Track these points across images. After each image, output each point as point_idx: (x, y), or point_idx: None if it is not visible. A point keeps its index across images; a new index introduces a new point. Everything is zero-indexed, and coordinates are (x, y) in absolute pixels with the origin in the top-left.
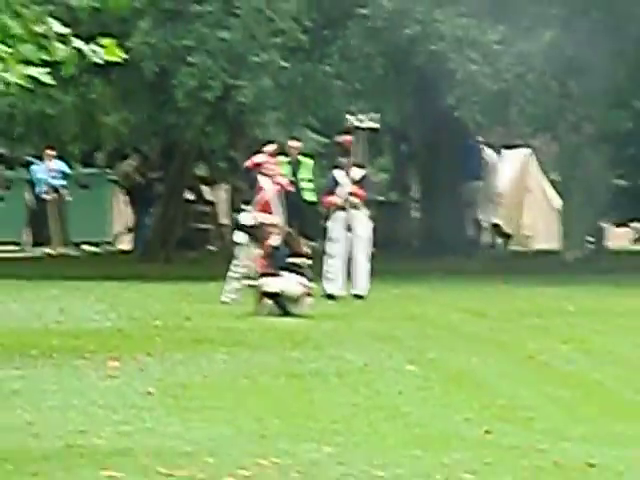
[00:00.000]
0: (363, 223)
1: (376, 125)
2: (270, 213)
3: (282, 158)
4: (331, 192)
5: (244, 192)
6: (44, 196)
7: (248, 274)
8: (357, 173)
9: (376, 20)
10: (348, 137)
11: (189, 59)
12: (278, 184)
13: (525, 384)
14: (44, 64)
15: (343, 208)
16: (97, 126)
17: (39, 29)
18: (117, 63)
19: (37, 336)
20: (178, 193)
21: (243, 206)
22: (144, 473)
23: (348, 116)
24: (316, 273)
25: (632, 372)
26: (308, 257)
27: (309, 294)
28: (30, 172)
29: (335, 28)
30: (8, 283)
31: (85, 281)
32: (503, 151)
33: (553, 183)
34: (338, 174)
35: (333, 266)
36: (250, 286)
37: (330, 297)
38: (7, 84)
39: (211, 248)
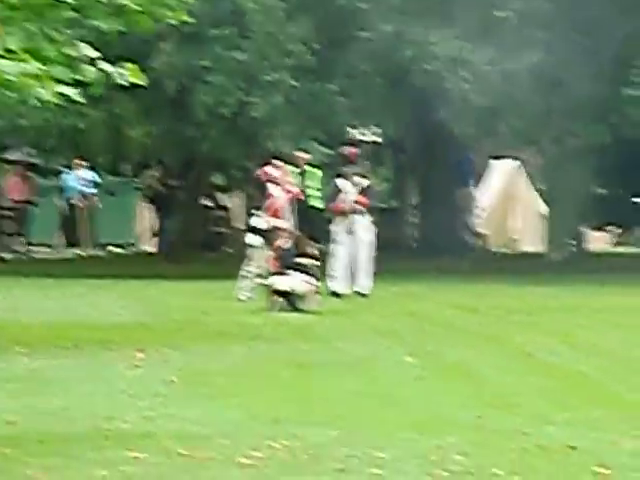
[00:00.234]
0: (366, 228)
1: (378, 139)
2: (280, 218)
3: (291, 168)
4: (333, 199)
5: (256, 199)
6: (75, 202)
7: (261, 273)
8: (361, 182)
9: (376, 43)
10: (352, 149)
11: (207, 78)
12: (289, 192)
13: (513, 374)
14: (75, 83)
15: (346, 214)
16: (123, 139)
17: (71, 52)
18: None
19: (69, 329)
20: (197, 200)
21: (255, 211)
22: (166, 454)
23: (351, 130)
24: (322, 273)
25: (612, 363)
26: (315, 258)
27: (316, 292)
28: (62, 180)
29: (339, 50)
30: (42, 281)
31: (112, 279)
32: (493, 162)
33: (538, 191)
34: (340, 182)
35: (337, 266)
36: (263, 284)
37: (335, 295)
38: (42, 101)
39: (227, 250)
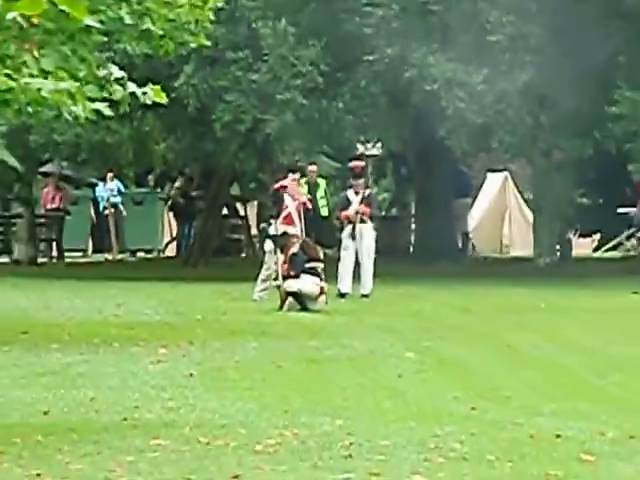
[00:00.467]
0: (369, 234)
1: (377, 152)
2: (292, 225)
3: (301, 179)
4: (344, 208)
5: (270, 208)
6: (104, 211)
7: (274, 276)
8: (364, 192)
9: (380, 65)
10: (359, 163)
11: (225, 97)
12: (300, 202)
13: (504, 368)
14: (104, 101)
15: (352, 222)
16: (148, 153)
17: (101, 73)
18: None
19: (98, 327)
20: (216, 209)
21: (270, 220)
22: (187, 442)
23: (360, 146)
24: (330, 275)
25: (594, 359)
26: (321, 262)
27: (323, 293)
28: (93, 191)
29: (346, 71)
30: (74, 283)
31: (138, 282)
32: (489, 174)
33: (527, 201)
34: (351, 195)
35: (343, 269)
36: (275, 286)
37: (341, 295)
38: (75, 117)
39: (243, 255)
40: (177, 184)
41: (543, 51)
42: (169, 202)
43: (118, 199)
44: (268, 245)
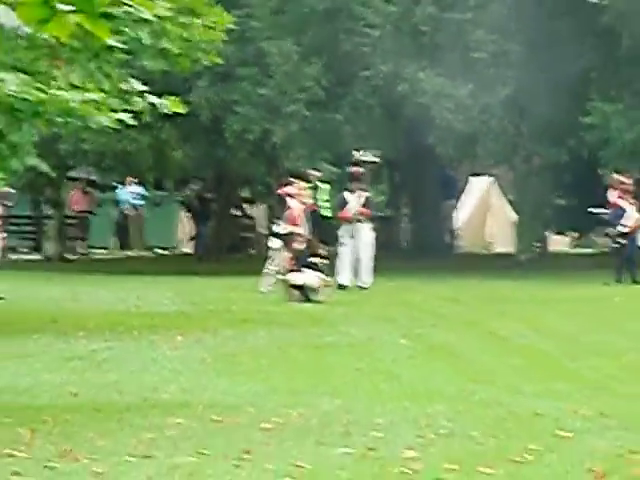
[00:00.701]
0: (367, 233)
1: (377, 159)
2: (297, 225)
3: (305, 184)
4: (341, 209)
5: (276, 209)
6: (126, 212)
7: (280, 271)
8: (363, 195)
9: (376, 80)
10: (358, 168)
11: (235, 109)
12: (304, 204)
13: (489, 353)
14: (127, 112)
15: (350, 221)
16: (166, 159)
17: (124, 86)
18: (181, 112)
19: (121, 317)
20: (228, 210)
21: (277, 220)
22: (201, 419)
23: (355, 152)
24: (331, 269)
25: (569, 344)
26: (324, 257)
27: (325, 285)
28: (116, 194)
29: (345, 86)
30: (99, 277)
31: (157, 276)
32: (472, 178)
33: (509, 202)
34: (347, 196)
35: (343, 264)
36: (281, 280)
37: (341, 287)
38: (101, 126)
39: (252, 251)
40: (193, 187)
41: (523, 67)
42: (185, 204)
43: (139, 201)
44: (274, 242)
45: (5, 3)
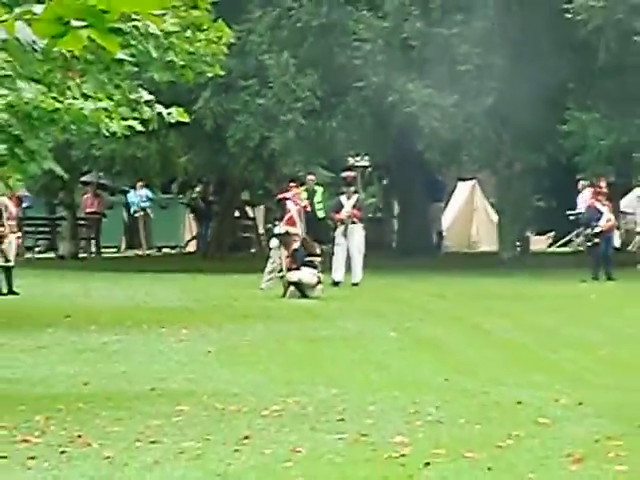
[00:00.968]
0: (359, 233)
1: (367, 164)
2: (293, 225)
3: (301, 187)
4: (337, 211)
5: (275, 211)
6: (135, 214)
7: (278, 269)
8: (355, 198)
9: (368, 91)
10: (350, 173)
11: (236, 118)
12: (301, 206)
13: (473, 346)
14: (136, 120)
15: (343, 222)
16: (172, 165)
17: (133, 96)
18: (186, 121)
19: (130, 312)
20: (229, 211)
21: (275, 221)
22: (205, 407)
23: (349, 158)
24: (325, 267)
25: (549, 338)
26: (319, 256)
27: (320, 283)
28: (126, 197)
29: (339, 96)
30: (110, 275)
31: (164, 273)
32: (459, 183)
33: (492, 204)
34: (342, 199)
35: (337, 262)
36: (279, 277)
37: (335, 284)
38: (112, 132)
39: (252, 250)
40: (197, 191)
41: (505, 78)
42: (190, 206)
43: (147, 204)
44: (273, 242)
45: (22, 19)
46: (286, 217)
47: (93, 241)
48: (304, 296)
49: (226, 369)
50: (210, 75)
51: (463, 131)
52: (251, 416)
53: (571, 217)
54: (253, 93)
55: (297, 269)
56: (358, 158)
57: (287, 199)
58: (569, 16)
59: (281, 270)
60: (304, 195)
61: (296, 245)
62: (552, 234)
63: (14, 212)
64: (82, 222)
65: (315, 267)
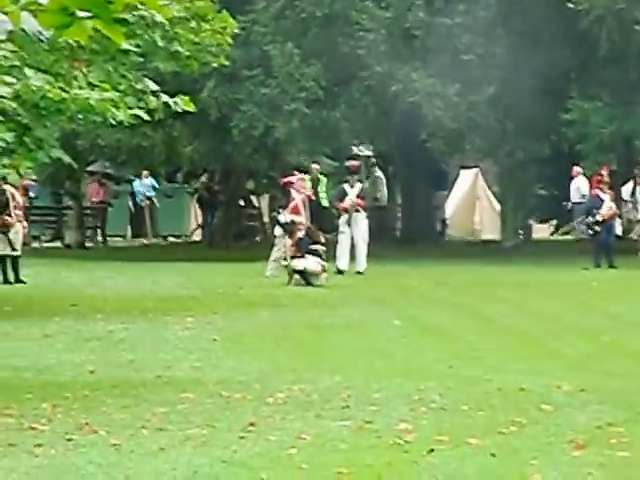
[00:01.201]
0: (363, 221)
1: (371, 153)
2: (298, 214)
3: (306, 176)
4: (341, 199)
5: (279, 200)
6: (141, 203)
7: (283, 257)
8: (358, 187)
9: (371, 80)
10: (354, 162)
11: (241, 108)
12: (304, 194)
13: (476, 333)
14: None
15: (347, 211)
16: (177, 154)
17: (138, 86)
18: (191, 111)
19: (136, 300)
20: (234, 200)
21: (280, 210)
22: (210, 395)
23: (354, 147)
24: (329, 256)
25: (552, 325)
26: (323, 244)
27: (325, 271)
28: (131, 186)
29: (342, 86)
30: (116, 264)
31: (169, 262)
32: (462, 171)
33: (495, 193)
34: (346, 187)
35: (341, 250)
36: (284, 265)
37: (339, 272)
38: (118, 121)
39: (257, 239)
40: (202, 180)
41: (507, 68)
42: (195, 195)
43: (152, 193)
44: (278, 230)
45: (27, 10)
46: (291, 206)
47: (99, 230)
48: (309, 284)
49: (231, 357)
50: (215, 65)
51: (466, 120)
52: (256, 403)
53: (567, 208)
54: (257, 83)
55: (302, 257)
56: (362, 147)
57: (291, 183)
58: (571, 6)
59: (286, 258)
60: (308, 184)
61: (301, 234)
62: (554, 222)
63: (21, 201)
64: (88, 211)
65: (319, 255)
